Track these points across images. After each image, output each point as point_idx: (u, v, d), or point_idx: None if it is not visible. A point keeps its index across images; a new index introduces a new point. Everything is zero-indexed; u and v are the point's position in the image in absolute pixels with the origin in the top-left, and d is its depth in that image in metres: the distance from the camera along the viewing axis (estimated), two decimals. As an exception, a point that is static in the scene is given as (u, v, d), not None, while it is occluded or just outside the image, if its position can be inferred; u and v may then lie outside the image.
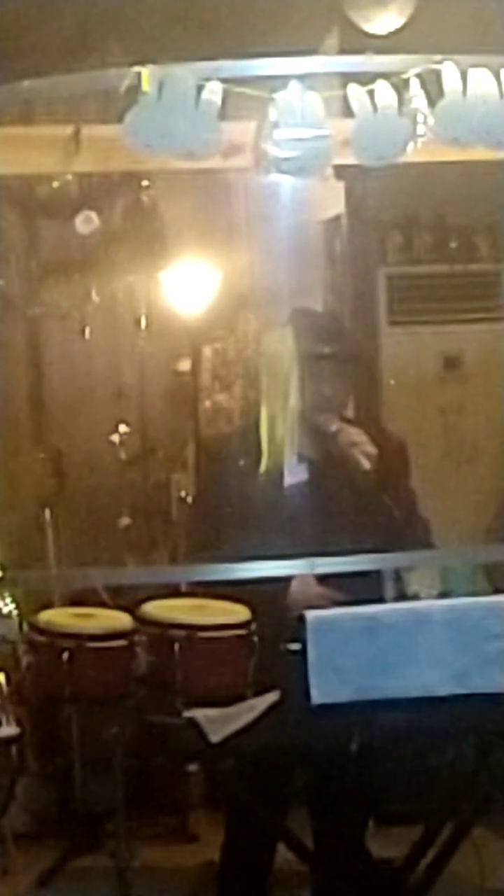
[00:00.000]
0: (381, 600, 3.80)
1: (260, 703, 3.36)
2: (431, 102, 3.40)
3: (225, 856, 4.03)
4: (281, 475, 3.96)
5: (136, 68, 3.35)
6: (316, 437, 3.99)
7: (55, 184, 5.25)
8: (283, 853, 3.80)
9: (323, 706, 3.20)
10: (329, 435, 3.98)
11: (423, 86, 3.39)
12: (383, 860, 3.76)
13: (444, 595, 4.19)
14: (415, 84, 3.38)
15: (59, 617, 4.00)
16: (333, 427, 3.97)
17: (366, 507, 3.94)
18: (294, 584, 3.82)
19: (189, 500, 5.81)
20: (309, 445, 4.01)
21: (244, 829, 3.92)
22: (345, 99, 3.40)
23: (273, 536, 3.82)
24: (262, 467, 3.96)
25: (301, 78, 3.39)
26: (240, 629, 3.73)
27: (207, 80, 3.34)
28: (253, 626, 3.73)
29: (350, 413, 4.13)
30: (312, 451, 4.02)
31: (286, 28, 5.48)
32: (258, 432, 4.00)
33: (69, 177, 5.13)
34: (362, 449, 3.93)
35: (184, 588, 4.45)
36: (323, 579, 3.83)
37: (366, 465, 3.92)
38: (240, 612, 3.78)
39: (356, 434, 3.96)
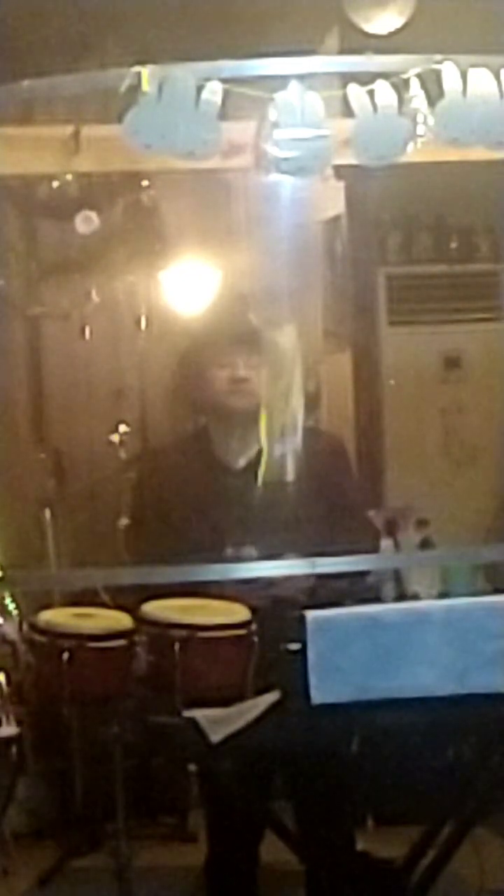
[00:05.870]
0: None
1: (260, 703, 3.36)
2: (431, 102, 3.39)
3: (211, 857, 4.03)
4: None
5: (136, 68, 3.34)
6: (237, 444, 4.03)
7: (55, 184, 5.26)
8: (282, 854, 3.80)
9: (323, 706, 3.20)
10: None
11: (423, 86, 3.39)
12: (383, 860, 3.76)
13: (444, 595, 4.20)
14: (415, 84, 3.38)
15: (59, 617, 3.99)
16: None
17: (289, 513, 3.95)
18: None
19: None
20: (228, 452, 4.05)
21: (229, 829, 3.93)
22: (345, 99, 3.40)
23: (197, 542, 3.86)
24: (264, 468, 3.99)
25: (301, 78, 3.39)
26: (240, 629, 3.73)
27: (207, 80, 3.34)
28: (253, 626, 3.73)
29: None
30: (231, 457, 4.06)
31: (286, 28, 5.48)
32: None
33: (69, 177, 5.14)
34: None
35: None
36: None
37: None
38: (240, 612, 3.78)
39: None
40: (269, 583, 3.82)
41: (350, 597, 3.86)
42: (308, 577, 3.82)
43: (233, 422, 4.02)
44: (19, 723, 4.22)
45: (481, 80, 3.40)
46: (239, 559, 3.82)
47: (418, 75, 3.38)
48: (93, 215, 5.35)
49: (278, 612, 3.66)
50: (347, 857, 3.74)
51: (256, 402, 4.00)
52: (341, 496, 4.07)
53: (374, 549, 4.14)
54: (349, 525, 4.01)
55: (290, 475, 3.99)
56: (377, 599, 3.89)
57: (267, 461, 4.00)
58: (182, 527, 3.93)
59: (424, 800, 3.51)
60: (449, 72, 3.38)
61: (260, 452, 4.02)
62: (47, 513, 5.62)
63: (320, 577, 3.81)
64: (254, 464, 4.01)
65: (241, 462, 4.03)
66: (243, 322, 4.12)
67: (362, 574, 3.99)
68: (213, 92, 3.34)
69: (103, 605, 4.32)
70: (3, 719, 4.07)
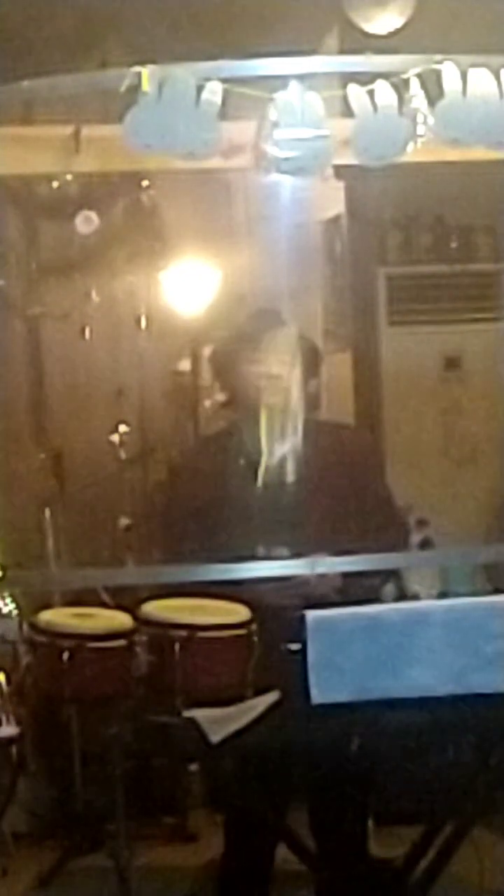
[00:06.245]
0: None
1: (260, 703, 3.36)
2: (431, 102, 3.39)
3: (225, 858, 4.02)
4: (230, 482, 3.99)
5: (136, 68, 3.34)
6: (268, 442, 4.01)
7: (55, 184, 5.26)
8: (283, 853, 3.80)
9: (323, 706, 3.20)
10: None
11: (423, 86, 3.38)
12: (383, 860, 3.76)
13: (444, 595, 4.19)
14: (415, 84, 3.38)
15: (59, 617, 4.00)
16: None
17: (322, 508, 3.95)
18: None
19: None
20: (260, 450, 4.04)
21: (244, 830, 3.92)
22: (345, 99, 3.40)
23: (231, 541, 3.85)
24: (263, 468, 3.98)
25: (301, 78, 3.39)
26: (240, 629, 3.73)
27: (207, 80, 3.34)
28: (253, 626, 3.73)
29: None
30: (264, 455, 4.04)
31: (286, 28, 5.48)
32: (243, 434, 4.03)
33: (69, 177, 5.15)
34: None
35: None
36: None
37: None
38: (240, 612, 3.78)
39: None
40: (303, 582, 3.81)
41: (380, 594, 3.88)
42: (339, 575, 3.83)
43: (264, 419, 4.01)
44: (19, 723, 4.22)
45: (481, 80, 3.39)
46: (270, 558, 3.80)
47: (418, 75, 3.37)
48: (93, 215, 5.35)
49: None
50: (349, 856, 3.74)
51: (289, 399, 4.00)
52: (373, 493, 4.07)
53: (406, 546, 4.14)
54: (380, 522, 4.02)
55: (321, 473, 3.99)
56: (377, 600, 3.88)
57: (297, 459, 4.00)
58: (213, 525, 3.91)
59: (424, 800, 3.51)
60: (449, 72, 3.38)
61: (291, 450, 4.01)
62: (47, 513, 5.62)
63: (352, 575, 3.81)
64: (285, 461, 4.01)
65: (273, 459, 4.03)
66: (277, 320, 4.13)
67: (393, 572, 4.00)
68: (213, 92, 3.34)
69: (103, 604, 4.32)
70: (3, 719, 4.07)
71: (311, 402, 4.08)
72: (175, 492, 4.18)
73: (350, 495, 3.98)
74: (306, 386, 4.05)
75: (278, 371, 3.99)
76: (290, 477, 3.97)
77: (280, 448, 4.01)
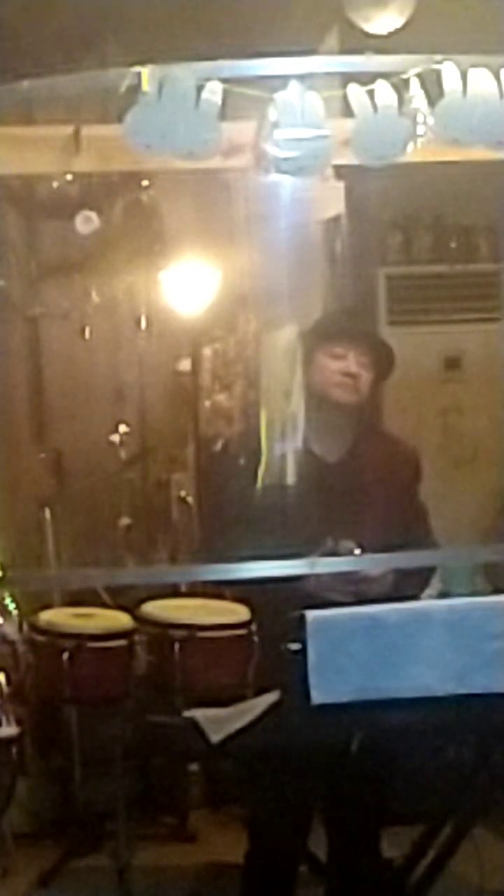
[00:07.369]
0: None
1: (260, 703, 3.36)
2: (431, 102, 3.40)
3: (249, 856, 3.99)
4: (282, 475, 3.97)
5: (136, 68, 3.35)
6: (332, 438, 4.01)
7: (55, 184, 5.25)
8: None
9: (323, 706, 3.20)
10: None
11: (423, 86, 3.39)
12: (383, 860, 3.76)
13: (444, 595, 4.19)
14: (415, 84, 3.38)
15: (59, 617, 4.01)
16: None
17: (372, 513, 3.95)
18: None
19: (189, 500, 5.81)
20: (323, 446, 4.03)
21: (269, 828, 3.90)
22: (345, 99, 3.40)
23: (279, 536, 3.83)
24: (263, 468, 3.97)
25: (301, 78, 3.39)
26: (240, 629, 3.73)
27: (207, 80, 3.34)
28: (253, 626, 3.73)
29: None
30: (326, 451, 4.03)
31: (286, 28, 5.47)
32: (259, 434, 4.01)
33: (69, 177, 5.13)
34: None
35: (183, 588, 4.46)
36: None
37: None
38: (240, 612, 3.78)
39: None
40: (363, 578, 3.82)
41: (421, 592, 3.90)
42: (387, 575, 3.85)
43: (332, 414, 4.01)
44: (19, 723, 4.21)
45: (481, 80, 3.40)
46: (336, 553, 3.80)
47: (418, 75, 3.38)
48: (93, 215, 5.33)
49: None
50: (356, 857, 3.74)
51: (359, 399, 4.01)
52: (415, 507, 4.13)
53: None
54: (418, 536, 4.06)
55: (374, 477, 4.00)
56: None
57: (355, 459, 4.02)
58: (272, 517, 3.89)
59: (424, 800, 3.52)
60: (449, 72, 3.39)
61: (353, 449, 4.02)
62: (47, 513, 5.62)
63: (403, 575, 3.84)
64: (346, 460, 4.01)
65: (334, 456, 4.02)
66: (362, 321, 4.15)
67: (433, 569, 4.03)
68: (213, 92, 3.34)
69: (103, 604, 4.32)
70: (3, 719, 4.07)
71: (375, 407, 4.11)
72: (232, 481, 4.16)
73: (395, 505, 4.00)
74: (375, 389, 4.06)
75: (356, 370, 3.99)
76: (348, 475, 3.98)
77: (341, 446, 4.01)
